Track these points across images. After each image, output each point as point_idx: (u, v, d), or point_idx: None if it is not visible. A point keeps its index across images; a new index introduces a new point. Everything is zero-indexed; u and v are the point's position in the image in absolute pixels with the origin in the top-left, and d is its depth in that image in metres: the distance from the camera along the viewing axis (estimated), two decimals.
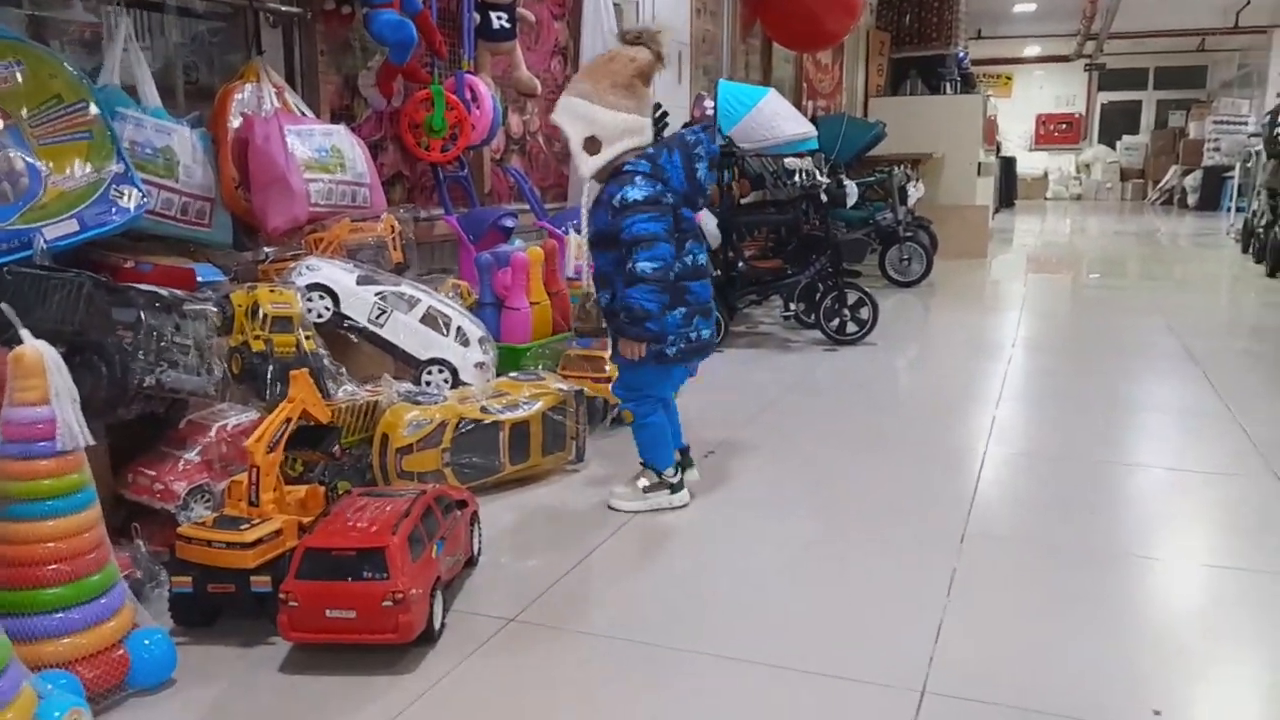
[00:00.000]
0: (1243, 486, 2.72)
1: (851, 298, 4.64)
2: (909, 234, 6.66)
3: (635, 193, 2.31)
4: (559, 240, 4.01)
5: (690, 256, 2.43)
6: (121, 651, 1.60)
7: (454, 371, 2.69)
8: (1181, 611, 2.02)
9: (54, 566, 1.55)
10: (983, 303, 6.57)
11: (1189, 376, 4.05)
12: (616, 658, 1.79)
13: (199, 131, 2.69)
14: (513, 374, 2.85)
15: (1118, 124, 19.55)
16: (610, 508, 2.50)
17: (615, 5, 4.96)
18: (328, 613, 1.68)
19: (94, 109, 2.32)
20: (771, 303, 5.37)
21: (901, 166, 7.33)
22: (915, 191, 6.94)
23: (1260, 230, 8.16)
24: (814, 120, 5.83)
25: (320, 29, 3.28)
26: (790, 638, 1.84)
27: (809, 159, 4.70)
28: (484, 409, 2.58)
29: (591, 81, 2.35)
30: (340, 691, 1.67)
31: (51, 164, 2.20)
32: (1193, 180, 15.88)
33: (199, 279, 2.49)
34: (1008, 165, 16.38)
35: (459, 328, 2.72)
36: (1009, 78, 19.72)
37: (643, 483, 2.52)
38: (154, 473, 2.10)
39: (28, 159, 2.16)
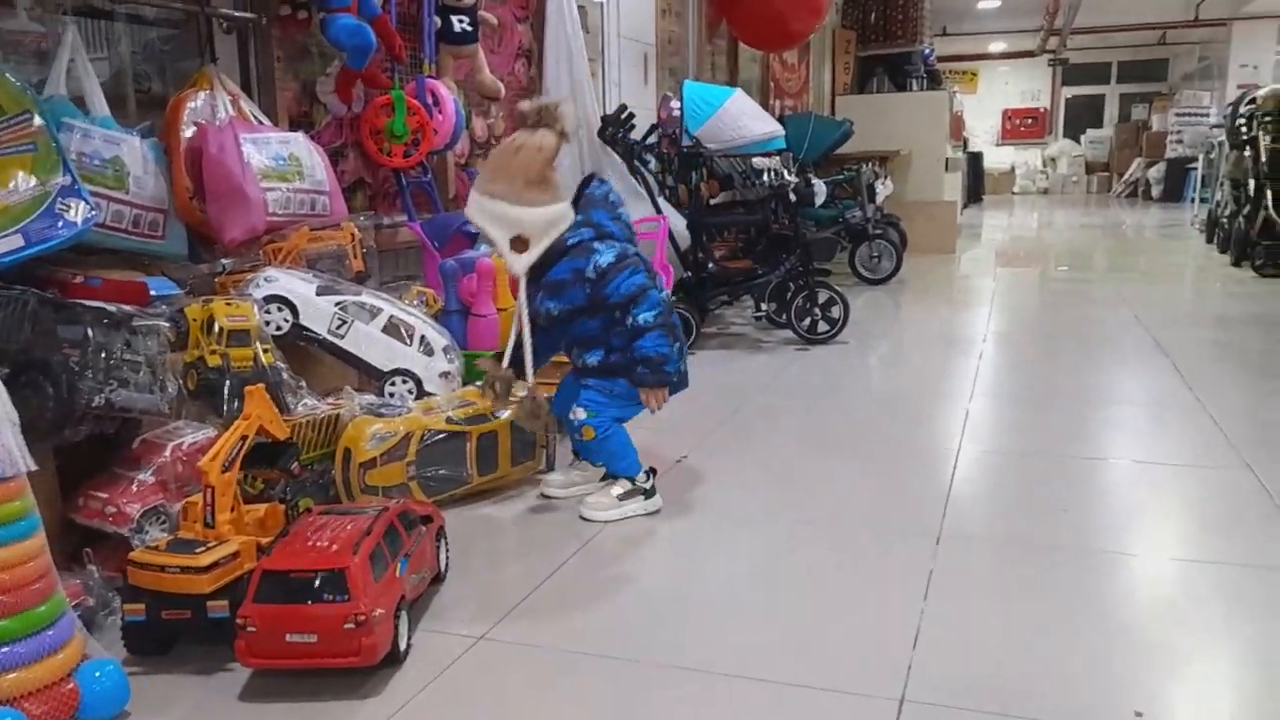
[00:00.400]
0: (1214, 479, 2.72)
1: (822, 296, 4.62)
2: (878, 231, 6.66)
3: (604, 258, 2.37)
4: None
5: (664, 292, 2.45)
6: (71, 685, 1.54)
7: (418, 382, 2.64)
8: (1159, 608, 2.00)
9: None
10: (953, 298, 6.57)
11: (1158, 368, 4.06)
12: (591, 674, 1.75)
13: (150, 141, 2.61)
14: (478, 383, 2.78)
15: (1082, 118, 19.76)
16: (583, 518, 2.45)
17: (580, 7, 4.92)
18: (288, 637, 1.62)
19: (38, 120, 2.24)
20: (742, 303, 5.35)
21: (869, 164, 7.34)
22: (884, 189, 6.95)
23: (1224, 220, 8.25)
24: (781, 119, 5.81)
25: (276, 34, 3.21)
26: (768, 649, 1.80)
27: (777, 158, 4.68)
28: (450, 419, 2.53)
29: (504, 181, 2.34)
30: (304, 717, 1.61)
31: None
32: (1156, 172, 16.06)
33: (152, 293, 2.42)
34: (975, 161, 16.50)
35: (422, 337, 2.66)
36: (974, 74, 19.88)
37: (616, 490, 2.48)
38: (105, 495, 2.03)
39: None
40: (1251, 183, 7.31)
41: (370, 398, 2.53)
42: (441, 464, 2.50)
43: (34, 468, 1.54)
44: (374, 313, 2.62)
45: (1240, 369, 4.14)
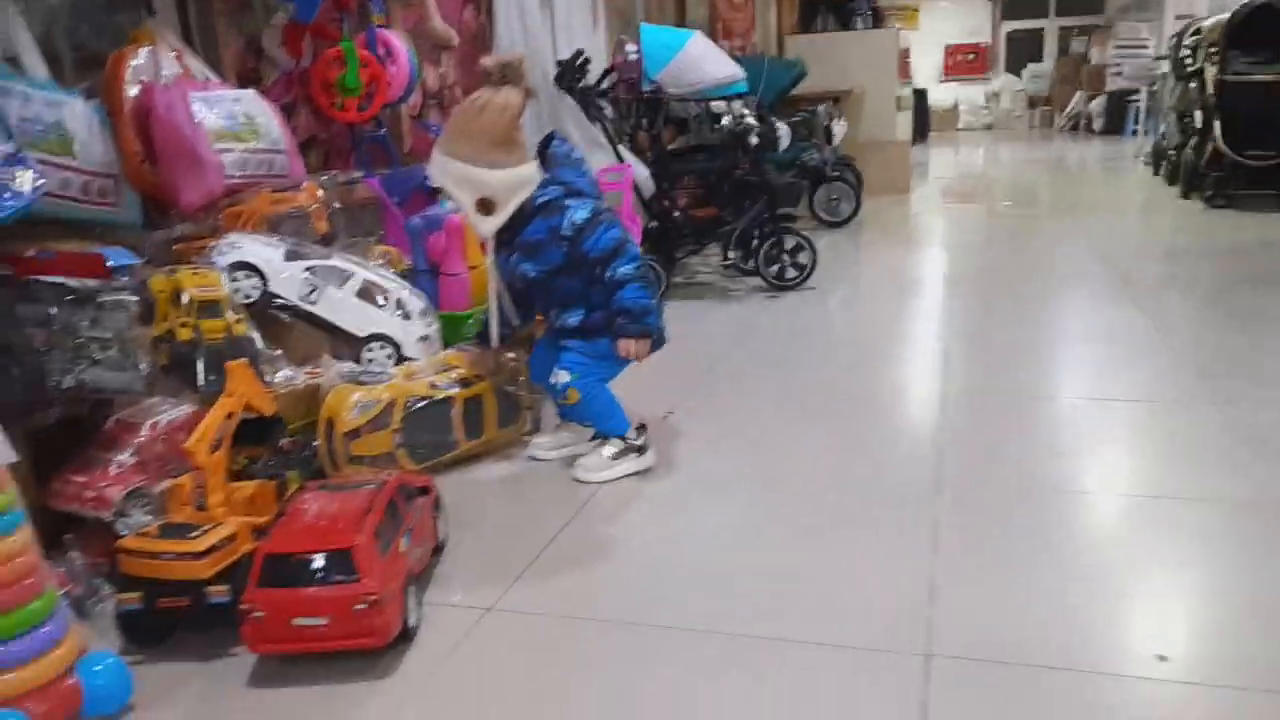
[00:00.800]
0: (1187, 415, 2.74)
1: (790, 243, 4.58)
2: (836, 174, 6.62)
3: (579, 214, 2.31)
4: None
5: (635, 244, 2.39)
6: (72, 681, 1.46)
7: (397, 347, 2.55)
8: (1174, 550, 2.00)
9: None
10: (912, 239, 6.59)
11: (1121, 302, 4.10)
12: (604, 642, 1.72)
13: (94, 104, 2.46)
14: (459, 345, 2.71)
15: (1022, 53, 19.81)
16: (577, 480, 2.41)
17: None
18: (295, 621, 1.56)
19: None
20: (706, 252, 5.28)
21: (824, 105, 7.27)
22: (840, 130, 6.89)
23: (1172, 153, 8.34)
24: (736, 61, 5.70)
25: None
26: (781, 608, 1.78)
27: (736, 102, 4.59)
28: (433, 385, 2.45)
29: (467, 142, 2.26)
30: (319, 702, 1.56)
31: None
32: (1098, 105, 16.18)
33: (110, 263, 2.29)
34: (920, 98, 16.49)
35: (399, 300, 2.57)
36: (915, 10, 19.76)
37: (609, 450, 2.43)
38: (84, 479, 1.93)
39: None
40: (1198, 114, 7.38)
41: (350, 365, 2.44)
42: (427, 430, 2.43)
43: (16, 459, 1.44)
44: (346, 277, 2.52)
45: (1202, 302, 4.19)
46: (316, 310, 2.47)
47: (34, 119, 2.27)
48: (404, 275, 2.96)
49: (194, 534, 1.66)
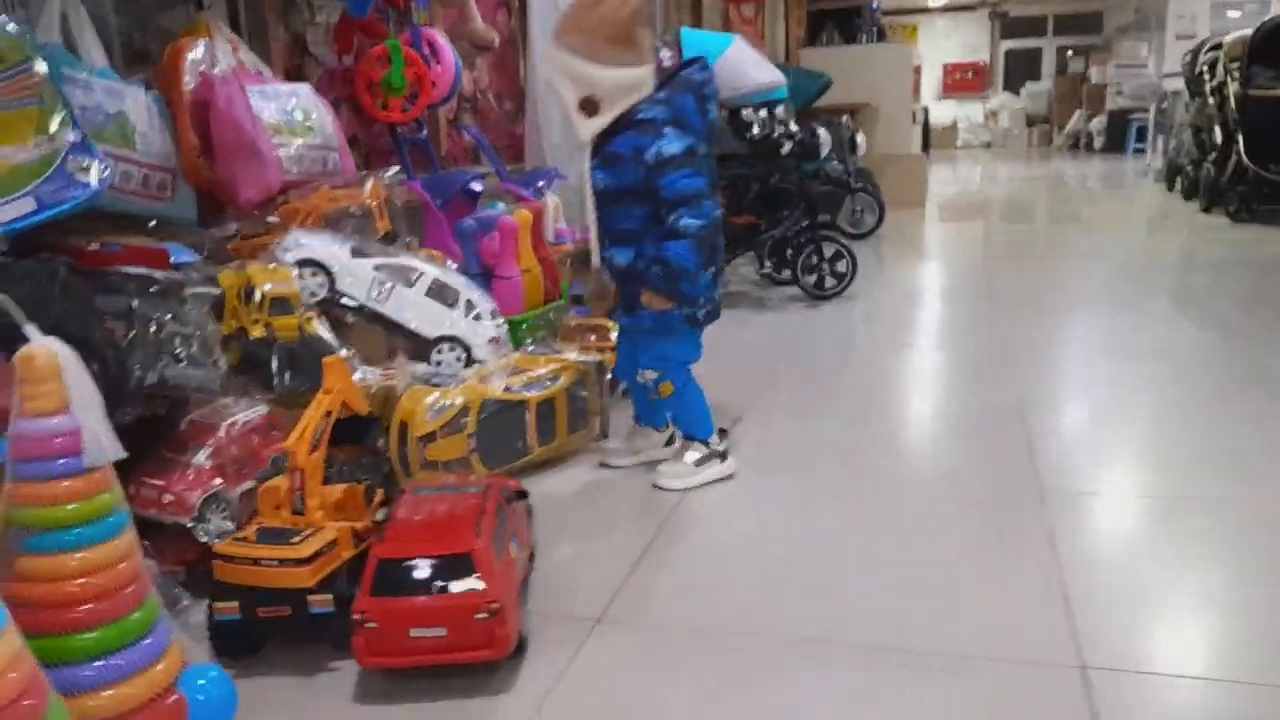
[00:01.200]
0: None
1: (829, 251, 4.51)
2: (860, 185, 6.56)
3: (671, 146, 2.10)
4: (527, 203, 3.77)
5: (718, 210, 2.21)
6: (176, 697, 1.35)
7: (467, 349, 2.44)
8: None
9: (87, 607, 1.29)
10: (943, 251, 6.54)
11: (1180, 315, 4.03)
12: (731, 655, 1.60)
13: (153, 94, 2.36)
14: (528, 347, 2.61)
15: (1020, 71, 19.91)
16: (658, 487, 2.31)
17: None
18: (412, 632, 1.45)
19: (41, 68, 1.99)
20: (738, 262, 5.20)
21: (845, 117, 7.21)
22: (862, 142, 6.83)
23: (1189, 168, 8.33)
24: None
25: None
26: (911, 620, 1.68)
27: (779, 109, 4.51)
28: (508, 388, 2.35)
29: (581, 34, 2.08)
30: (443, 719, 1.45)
31: None
32: (1098, 124, 16.25)
33: (173, 260, 2.20)
34: (923, 115, 16.53)
35: (469, 301, 2.47)
36: (914, 27, 19.87)
37: (692, 455, 2.33)
38: (161, 482, 1.82)
39: None
40: (1217, 129, 7.37)
41: (423, 367, 2.34)
42: (501, 435, 2.32)
43: (123, 455, 1.33)
44: (416, 275, 2.42)
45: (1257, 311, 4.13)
46: (384, 310, 2.37)
47: (95, 108, 2.18)
48: None
49: (295, 539, 1.55)
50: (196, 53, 2.52)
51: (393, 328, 2.40)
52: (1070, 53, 19.46)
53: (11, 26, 1.96)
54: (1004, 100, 19.69)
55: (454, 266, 3.09)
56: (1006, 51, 20.06)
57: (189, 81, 2.48)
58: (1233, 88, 6.98)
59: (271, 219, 2.48)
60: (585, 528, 2.14)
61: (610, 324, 2.98)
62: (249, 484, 1.87)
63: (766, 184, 4.71)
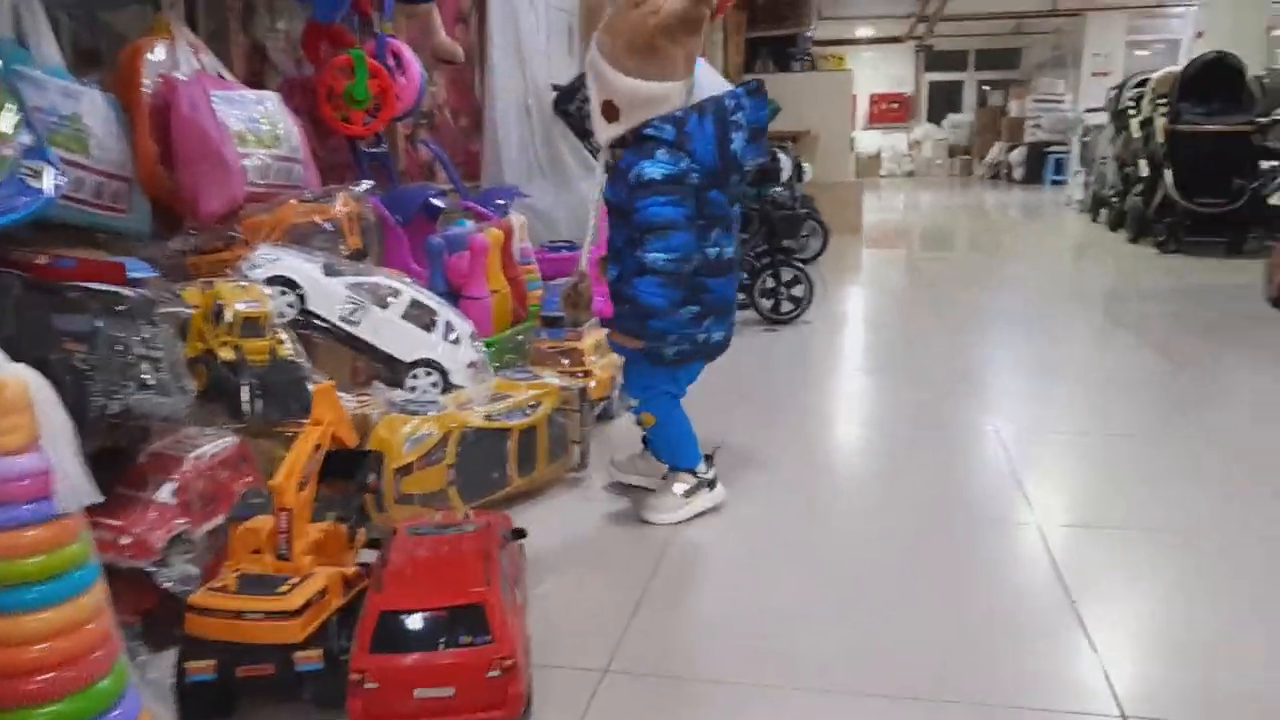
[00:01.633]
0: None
1: (787, 275, 4.48)
2: (805, 210, 6.57)
3: (654, 170, 1.98)
4: (488, 220, 3.66)
5: (715, 248, 2.09)
6: None
7: (444, 374, 2.31)
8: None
9: (49, 676, 1.13)
10: (883, 277, 6.61)
11: (1125, 342, 4.10)
12: (749, 707, 1.51)
13: (110, 97, 2.19)
14: (507, 371, 2.49)
15: (943, 103, 20.45)
16: (647, 522, 2.20)
17: None
18: (417, 693, 1.32)
19: None
20: None
21: (789, 143, 7.25)
22: (809, 168, 6.87)
23: (1114, 199, 8.58)
24: None
25: None
26: (921, 663, 1.60)
27: None
28: (489, 416, 2.22)
29: (609, 36, 1.99)
30: None
31: None
32: (1018, 155, 16.72)
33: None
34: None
35: (447, 323, 2.34)
36: (841, 58, 20.22)
37: (679, 487, 2.24)
38: (119, 523, 1.64)
39: None
40: (1143, 162, 7.60)
41: (399, 393, 2.20)
42: (481, 466, 2.20)
43: (100, 499, 1.18)
44: (391, 296, 2.28)
45: (1209, 338, 4.22)
46: (358, 332, 2.22)
47: (49, 109, 2.00)
48: None
49: (282, 588, 1.41)
50: (157, 54, 2.35)
51: (366, 350, 2.26)
52: (989, 87, 20.06)
53: None
54: (927, 131, 20.17)
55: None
56: (930, 84, 20.57)
57: (148, 85, 2.31)
58: (1160, 122, 7.21)
59: (234, 232, 2.32)
60: (577, 567, 2.02)
61: (583, 345, 2.88)
62: (216, 521, 1.72)
63: None
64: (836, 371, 3.84)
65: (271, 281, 2.12)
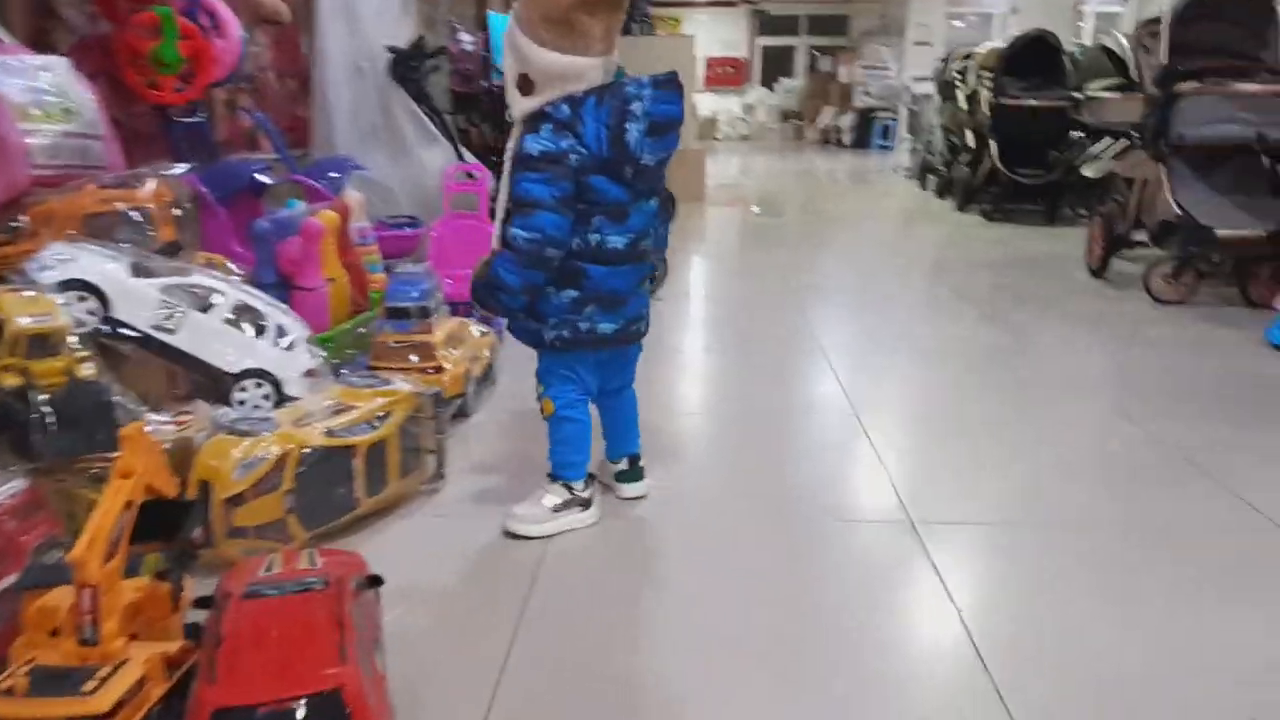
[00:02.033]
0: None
1: None
2: None
3: (533, 145, 1.88)
4: (321, 196, 3.36)
5: (597, 235, 1.96)
6: None
7: (277, 385, 2.06)
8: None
9: None
10: (731, 247, 6.60)
11: (966, 314, 4.20)
12: None
13: None
14: (349, 376, 2.25)
15: (775, 68, 20.76)
16: (510, 533, 2.05)
17: None
18: None
19: None
20: None
21: None
22: None
23: (941, 168, 8.89)
24: None
25: None
26: (820, 681, 1.53)
27: None
28: (330, 431, 1.99)
29: (527, 8, 1.88)
30: None
31: None
32: (847, 121, 17.20)
33: None
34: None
35: (279, 326, 2.08)
36: (677, 20, 20.21)
37: (550, 500, 2.08)
38: None
39: None
40: (969, 134, 7.89)
41: (226, 410, 1.93)
42: (324, 489, 1.96)
43: None
44: (213, 298, 2.00)
45: (1044, 311, 4.37)
46: (174, 341, 1.94)
47: None
48: None
49: (86, 685, 1.16)
50: None
51: (185, 362, 1.98)
52: (820, 53, 20.49)
53: None
54: (761, 95, 20.45)
55: (240, 274, 2.67)
56: (763, 48, 20.84)
57: None
58: (985, 96, 7.48)
59: (17, 223, 1.98)
60: (439, 603, 1.83)
61: (434, 339, 2.66)
62: (4, 584, 1.44)
63: None
64: (681, 351, 3.76)
65: (66, 286, 1.82)
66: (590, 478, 2.15)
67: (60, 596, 1.26)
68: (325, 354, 2.24)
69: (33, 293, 1.68)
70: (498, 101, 4.25)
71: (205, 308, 1.99)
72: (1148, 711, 1.49)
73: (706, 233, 7.13)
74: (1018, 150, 7.22)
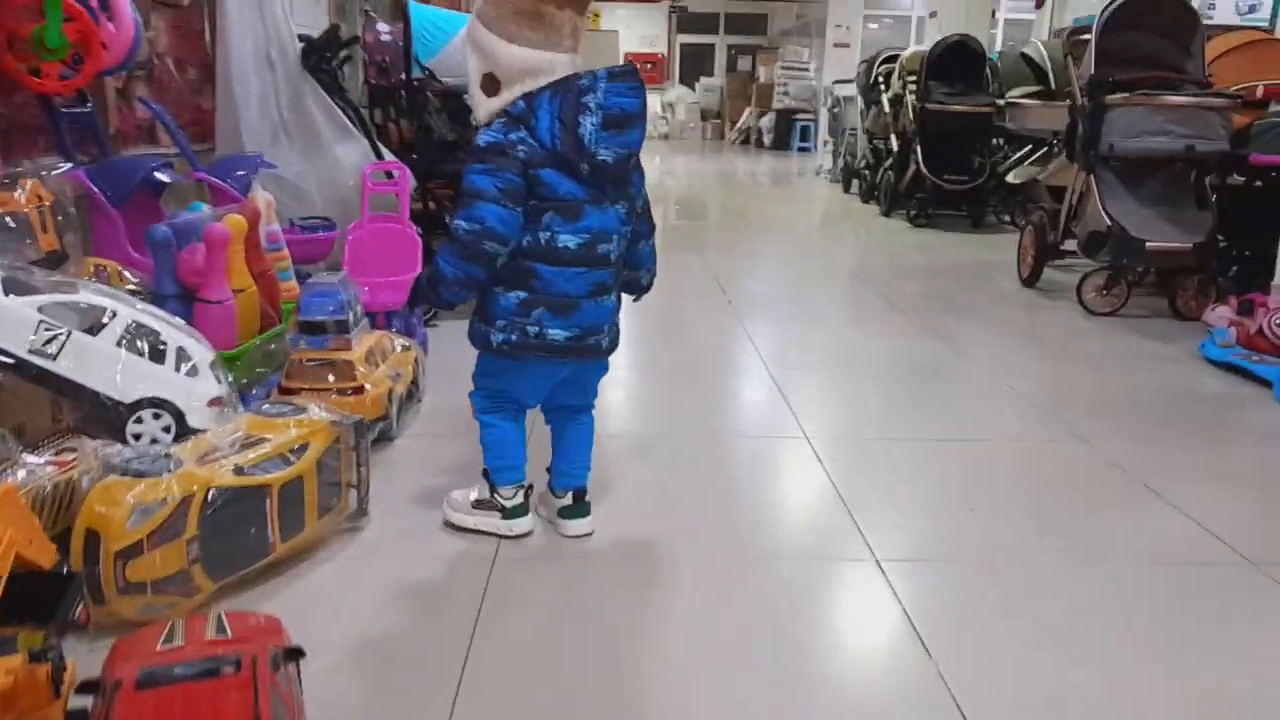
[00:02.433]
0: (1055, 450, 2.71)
1: None
2: None
3: (485, 137, 1.83)
4: (227, 197, 3.11)
5: (546, 233, 1.85)
6: None
7: (178, 416, 1.83)
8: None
9: None
10: (664, 249, 6.44)
11: (901, 326, 4.14)
12: None
13: None
14: (259, 404, 2.02)
15: (695, 66, 20.74)
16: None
17: None
18: None
19: None
20: None
21: None
22: None
23: (865, 172, 8.90)
24: None
25: None
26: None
27: None
28: (238, 469, 1.77)
29: (494, 5, 1.82)
30: None
31: None
32: (767, 122, 17.25)
33: None
34: None
35: (180, 349, 1.85)
36: (598, 14, 20.02)
37: (475, 494, 2.05)
38: None
39: None
40: (893, 139, 7.91)
41: (119, 448, 1.69)
42: (233, 533, 1.74)
43: None
44: (101, 317, 1.76)
45: (973, 320, 4.34)
46: (57, 368, 1.70)
47: None
48: None
49: None
50: None
51: (70, 391, 1.73)
52: (738, 52, 20.53)
53: None
54: (680, 94, 20.40)
55: (135, 285, 2.42)
56: (682, 45, 20.79)
57: None
58: (910, 100, 7.49)
59: None
60: (368, 661, 1.63)
61: (354, 355, 2.45)
62: None
63: None
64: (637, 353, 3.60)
65: None
66: (524, 487, 2.07)
67: None
68: (233, 376, 2.00)
69: None
70: (415, 95, 4.01)
71: (93, 328, 1.75)
72: None
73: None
74: (942, 155, 7.26)
